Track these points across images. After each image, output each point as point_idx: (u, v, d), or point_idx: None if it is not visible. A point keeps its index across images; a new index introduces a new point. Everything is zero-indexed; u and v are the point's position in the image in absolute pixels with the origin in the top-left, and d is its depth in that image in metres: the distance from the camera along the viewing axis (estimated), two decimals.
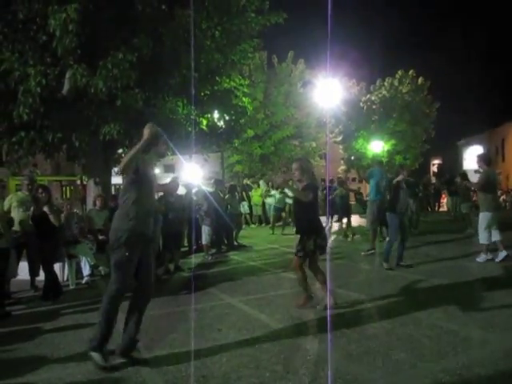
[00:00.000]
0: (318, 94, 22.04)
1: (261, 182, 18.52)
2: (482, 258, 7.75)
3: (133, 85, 7.82)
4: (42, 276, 6.72)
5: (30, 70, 7.33)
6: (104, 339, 3.77)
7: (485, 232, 7.72)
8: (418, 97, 29.77)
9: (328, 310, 4.86)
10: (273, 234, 13.79)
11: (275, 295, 6.11)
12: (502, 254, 7.63)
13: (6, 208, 6.53)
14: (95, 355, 3.74)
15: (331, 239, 11.88)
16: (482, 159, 7.92)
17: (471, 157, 33.87)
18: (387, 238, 8.35)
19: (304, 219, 5.18)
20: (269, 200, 16.72)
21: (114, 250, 3.81)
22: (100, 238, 8.24)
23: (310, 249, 5.06)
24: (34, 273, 6.92)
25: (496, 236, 7.79)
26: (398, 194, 7.78)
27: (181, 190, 9.15)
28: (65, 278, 7.55)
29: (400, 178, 7.66)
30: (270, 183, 17.68)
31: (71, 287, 7.16)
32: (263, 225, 16.73)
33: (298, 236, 5.27)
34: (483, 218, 7.74)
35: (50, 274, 6.47)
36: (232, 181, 19.87)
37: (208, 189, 10.70)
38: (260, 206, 17.08)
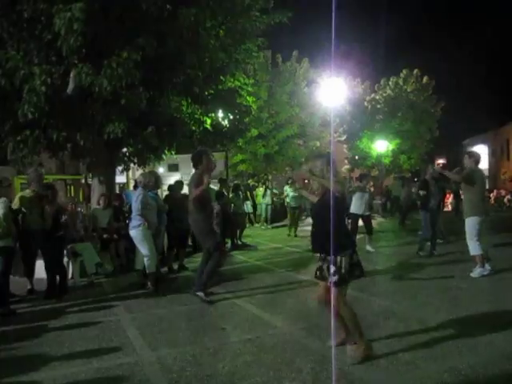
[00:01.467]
0: (323, 93, 21.97)
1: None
2: (477, 272, 6.60)
3: (137, 84, 7.81)
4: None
5: (35, 68, 7.34)
6: (206, 285, 5.92)
7: (475, 241, 6.62)
8: (423, 96, 29.62)
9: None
10: (289, 235, 13.00)
11: (279, 294, 6.11)
12: (480, 270, 6.60)
13: (16, 206, 6.54)
14: (201, 294, 5.80)
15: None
16: (472, 157, 6.91)
17: None
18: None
19: (334, 230, 3.51)
20: (264, 200, 16.78)
21: (206, 235, 6.00)
22: (104, 236, 8.25)
23: (347, 269, 3.63)
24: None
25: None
26: (429, 192, 8.09)
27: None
28: (69, 276, 7.57)
29: (428, 176, 8.44)
30: (267, 183, 17.73)
31: (76, 285, 7.18)
32: (266, 225, 16.72)
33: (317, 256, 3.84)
34: (471, 224, 6.63)
35: (51, 273, 6.46)
36: (236, 180, 19.85)
37: (213, 187, 10.72)
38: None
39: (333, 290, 3.63)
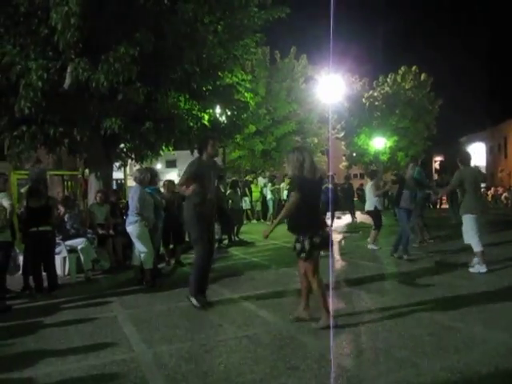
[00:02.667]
0: (321, 90, 21.98)
1: (259, 179, 18.55)
2: (475, 268, 6.76)
3: (134, 79, 7.78)
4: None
5: (32, 63, 7.30)
6: (198, 288, 5.39)
7: (475, 237, 6.74)
8: (421, 93, 29.66)
9: (330, 312, 4.48)
10: None
11: (276, 291, 6.10)
12: (478, 267, 6.75)
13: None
14: (193, 299, 5.32)
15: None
16: (458, 158, 7.11)
17: (474, 154, 33.62)
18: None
19: (295, 217, 4.50)
20: (269, 195, 16.80)
21: (191, 227, 5.48)
22: (101, 232, 8.23)
23: (308, 248, 4.38)
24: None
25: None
26: (402, 191, 8.27)
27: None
28: (66, 273, 7.55)
29: (407, 176, 8.50)
30: (274, 179, 17.73)
31: (72, 281, 7.17)
32: (262, 220, 16.75)
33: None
34: (467, 221, 6.82)
35: (33, 269, 6.42)
36: (233, 176, 19.87)
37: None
38: (260, 201, 17.11)
39: (302, 263, 4.50)
